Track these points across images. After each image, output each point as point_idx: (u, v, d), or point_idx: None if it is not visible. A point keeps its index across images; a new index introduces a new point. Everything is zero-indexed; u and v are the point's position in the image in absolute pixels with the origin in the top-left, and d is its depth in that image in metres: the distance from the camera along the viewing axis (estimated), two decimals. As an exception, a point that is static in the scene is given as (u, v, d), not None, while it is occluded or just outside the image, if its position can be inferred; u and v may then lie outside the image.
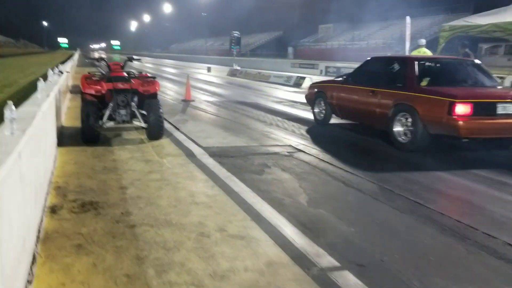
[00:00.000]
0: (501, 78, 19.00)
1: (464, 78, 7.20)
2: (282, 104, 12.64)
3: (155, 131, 6.81)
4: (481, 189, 5.00)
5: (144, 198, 4.29)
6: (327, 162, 5.96)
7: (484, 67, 7.69)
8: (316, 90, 9.29)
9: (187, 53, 79.37)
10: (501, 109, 6.18)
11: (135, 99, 6.90)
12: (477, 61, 8.01)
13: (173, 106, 11.62)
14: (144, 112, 6.84)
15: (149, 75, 7.56)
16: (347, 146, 7.34)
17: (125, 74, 7.15)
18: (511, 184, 5.19)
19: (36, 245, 3.12)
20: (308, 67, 31.57)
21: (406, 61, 7.32)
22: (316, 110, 9.26)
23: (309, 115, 9.82)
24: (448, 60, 7.76)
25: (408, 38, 17.79)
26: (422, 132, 6.46)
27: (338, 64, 28.17)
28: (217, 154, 6.18)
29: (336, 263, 3.11)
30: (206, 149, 6.44)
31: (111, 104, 6.67)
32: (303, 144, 7.04)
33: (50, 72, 7.53)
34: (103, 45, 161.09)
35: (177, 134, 7.53)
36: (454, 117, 6.01)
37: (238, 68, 28.63)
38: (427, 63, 7.25)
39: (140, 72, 7.71)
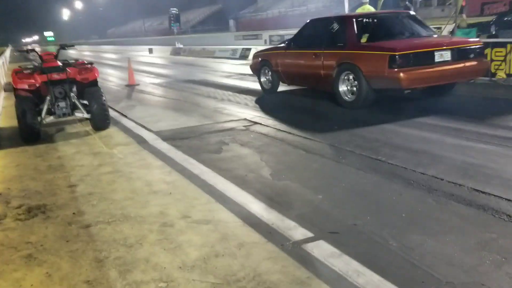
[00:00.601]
0: (438, 28, 19.57)
1: (401, 31, 7.26)
2: (231, 78, 12.34)
3: (100, 121, 6.39)
4: (436, 137, 5.01)
5: (96, 194, 3.98)
6: (285, 131, 5.81)
7: (419, 18, 7.79)
8: (260, 59, 9.13)
9: (125, 36, 76.57)
10: (438, 56, 6.32)
11: (74, 89, 6.42)
12: (412, 12, 8.12)
13: (117, 92, 11.06)
14: (85, 102, 6.39)
15: (85, 62, 7.06)
16: (300, 112, 7.23)
17: (59, 63, 6.63)
18: (464, 129, 5.24)
19: (-21, 263, 2.79)
20: (252, 38, 31.13)
21: (345, 20, 7.30)
22: (262, 79, 9.12)
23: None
24: (384, 15, 7.86)
25: (346, -2, 17.78)
26: (367, 88, 6.53)
27: (281, 32, 27.91)
28: (170, 137, 5.88)
29: (309, 234, 2.98)
30: (158, 133, 6.12)
31: (48, 98, 6.16)
32: (258, 116, 6.85)
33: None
34: (36, 37, 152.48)
35: (125, 121, 7.14)
36: (395, 69, 6.08)
37: (181, 46, 27.85)
38: (365, 20, 7.20)
39: (77, 60, 7.18)
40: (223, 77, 12.75)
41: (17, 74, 6.16)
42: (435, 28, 19.52)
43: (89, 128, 6.74)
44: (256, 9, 59.42)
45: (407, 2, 10.89)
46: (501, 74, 8.15)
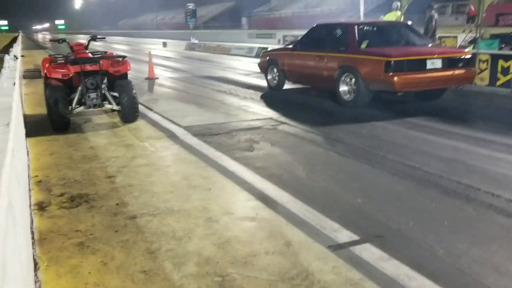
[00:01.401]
0: (454, 37, 19.54)
1: (398, 39, 7.99)
2: (250, 77, 12.38)
3: (130, 113, 6.46)
4: (466, 147, 5.05)
5: (136, 186, 4.05)
6: (312, 132, 5.87)
7: (414, 28, 8.52)
8: (268, 58, 9.74)
9: (137, 29, 76.65)
10: (430, 64, 6.95)
11: (105, 80, 6.49)
12: (409, 22, 9.05)
13: (137, 85, 11.00)
14: (115, 94, 6.46)
15: (114, 54, 7.13)
16: (322, 113, 7.24)
17: (90, 54, 6.72)
18: (493, 140, 5.27)
19: (33, 248, 2.86)
20: (265, 37, 31.14)
21: (347, 27, 7.94)
22: (269, 77, 9.67)
23: (293, 88, 9.67)
24: (383, 24, 8.86)
25: (362, 2, 17.78)
26: (364, 89, 7.14)
27: (295, 32, 27.88)
28: (200, 133, 5.94)
29: (355, 236, 3.03)
30: (187, 128, 6.18)
31: (79, 88, 6.24)
32: (284, 115, 6.90)
33: (6, 57, 6.96)
34: (46, 25, 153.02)
35: (151, 115, 7.21)
36: (389, 74, 6.66)
37: (196, 41, 27.92)
38: (365, 28, 7.99)
39: (105, 52, 7.25)
40: (242, 75, 12.79)
41: (51, 63, 6.23)
42: (451, 36, 19.48)
43: (116, 119, 6.81)
44: (270, 8, 59.43)
45: (433, 11, 10.95)
46: (525, 87, 8.17)
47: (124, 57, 6.68)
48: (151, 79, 11.99)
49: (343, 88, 7.50)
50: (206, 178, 4.24)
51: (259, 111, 7.37)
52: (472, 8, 18.28)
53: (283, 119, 6.70)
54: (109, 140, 5.69)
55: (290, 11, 53.52)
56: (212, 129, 6.15)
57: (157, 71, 13.54)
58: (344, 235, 3.05)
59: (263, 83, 10.42)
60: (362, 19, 18.26)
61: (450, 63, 7.12)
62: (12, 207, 1.84)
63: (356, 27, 7.73)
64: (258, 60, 10.89)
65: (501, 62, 8.61)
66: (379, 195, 3.81)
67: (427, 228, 3.17)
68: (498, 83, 8.67)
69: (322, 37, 8.44)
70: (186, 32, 36.99)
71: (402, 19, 11.48)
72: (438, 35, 12.04)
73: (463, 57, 7.33)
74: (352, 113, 7.10)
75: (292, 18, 49.09)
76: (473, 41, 10.98)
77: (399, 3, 11.45)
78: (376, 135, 5.70)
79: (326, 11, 47.41)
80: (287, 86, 9.55)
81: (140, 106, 7.62)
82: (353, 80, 7.25)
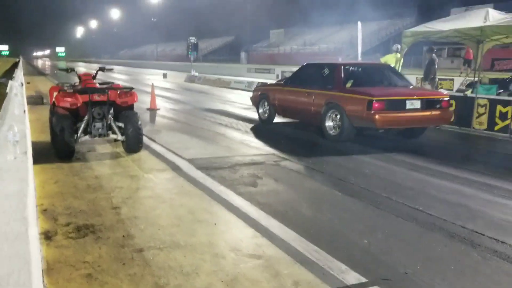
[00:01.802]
0: (451, 80, 19.95)
1: (381, 80, 8.53)
2: (251, 111, 12.47)
3: (134, 144, 6.50)
4: (470, 192, 5.11)
5: (141, 218, 4.05)
6: (315, 170, 5.93)
7: (397, 71, 9.10)
8: (260, 92, 10.28)
9: (137, 59, 77.74)
10: (409, 104, 7.40)
11: (111, 111, 6.56)
12: (392, 65, 9.66)
13: (139, 116, 11.18)
14: (120, 124, 6.52)
15: (121, 85, 7.24)
16: (324, 150, 7.31)
17: (97, 85, 6.81)
18: (495, 185, 5.34)
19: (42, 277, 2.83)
20: (264, 72, 31.67)
21: (334, 67, 8.47)
22: (260, 110, 10.16)
23: (283, 122, 9.81)
24: (368, 65, 9.56)
25: (360, 42, 18.25)
26: (348, 125, 7.62)
27: (293, 68, 28.29)
28: (203, 166, 5.98)
29: (363, 279, 3.03)
30: (190, 161, 6.22)
31: (86, 117, 6.30)
32: (286, 151, 6.96)
33: (13, 84, 7.04)
34: (47, 51, 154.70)
35: (154, 146, 7.25)
36: (371, 112, 7.11)
37: (197, 74, 28.29)
38: (351, 68, 8.58)
39: (112, 83, 7.35)
40: (243, 109, 12.93)
41: (60, 92, 6.31)
42: (447, 79, 19.82)
43: (120, 149, 6.84)
44: (269, 44, 60.58)
45: (433, 54, 11.26)
46: (522, 132, 8.32)
47: (131, 88, 6.78)
48: (152, 110, 12.09)
49: (329, 123, 7.99)
50: (211, 212, 4.25)
51: (261, 146, 7.44)
52: (470, 51, 18.82)
53: (285, 155, 6.76)
54: (114, 170, 5.71)
55: (289, 47, 54.57)
56: (215, 163, 6.19)
57: (159, 102, 13.67)
58: (352, 277, 3.05)
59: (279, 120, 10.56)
60: (359, 58, 18.71)
61: (428, 104, 7.57)
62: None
63: (342, 67, 8.28)
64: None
65: (499, 107, 8.80)
66: (385, 236, 3.83)
67: (434, 272, 3.18)
68: (497, 127, 8.83)
69: (311, 75, 8.98)
70: (186, 64, 37.53)
71: (401, 61, 11.78)
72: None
73: (441, 99, 7.82)
74: (352, 150, 7.22)
75: (290, 55, 50.05)
76: (471, 85, 11.25)
77: (399, 46, 11.77)
78: (379, 175, 5.76)
79: (324, 49, 48.39)
80: (277, 119, 10.01)
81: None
82: (338, 116, 7.76)
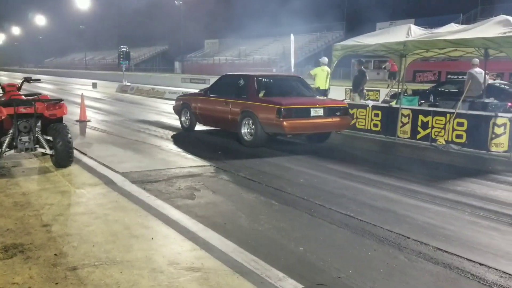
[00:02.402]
0: (377, 90, 21.07)
1: (290, 90, 9.36)
2: (185, 122, 12.44)
3: (64, 158, 6.24)
4: (396, 197, 5.44)
5: (74, 236, 3.91)
6: (253, 180, 6.02)
7: (305, 82, 9.88)
8: (182, 102, 10.80)
9: (65, 68, 74.49)
10: (313, 112, 8.25)
11: (39, 124, 6.27)
12: (301, 77, 10.45)
13: (69, 128, 10.73)
14: (49, 137, 6.25)
15: (49, 96, 6.93)
16: (264, 163, 7.46)
17: (23, 96, 6.49)
18: (419, 191, 5.73)
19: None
20: (199, 82, 31.60)
21: (249, 78, 9.12)
22: (182, 119, 10.72)
23: (223, 134, 9.85)
24: (279, 77, 10.63)
25: (293, 54, 18.93)
26: (261, 131, 8.31)
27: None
28: (139, 179, 5.87)
29: (299, 285, 3.14)
30: (124, 174, 6.08)
31: (11, 131, 5.97)
32: (223, 162, 7.01)
33: None
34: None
35: (85, 160, 7.01)
36: (281, 119, 7.81)
37: (129, 84, 27.63)
38: (263, 79, 9.24)
39: (40, 94, 7.02)
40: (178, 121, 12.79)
41: (-19, 104, 5.93)
42: (373, 90, 20.90)
43: (48, 164, 6.55)
44: (204, 54, 60.58)
45: (362, 67, 11.90)
46: (441, 141, 8.97)
47: (60, 100, 6.52)
48: (82, 122, 11.67)
49: (244, 130, 8.66)
50: (148, 227, 4.19)
51: (197, 158, 7.42)
52: (392, 64, 20.03)
53: (223, 165, 6.80)
54: (43, 186, 5.45)
55: (224, 58, 54.91)
56: (151, 176, 6.10)
57: (89, 113, 13.22)
58: (289, 284, 3.15)
59: (200, 128, 10.56)
60: (293, 70, 19.33)
61: (330, 112, 8.45)
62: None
63: (256, 78, 9.01)
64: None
65: (421, 117, 9.43)
66: (319, 243, 3.98)
67: (365, 276, 3.36)
68: (419, 136, 9.46)
69: (228, 86, 9.56)
70: (117, 74, 36.55)
71: (330, 73, 12.31)
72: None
73: (341, 107, 8.77)
74: (286, 161, 7.43)
75: (225, 65, 50.30)
76: (395, 96, 11.98)
77: (326, 59, 12.28)
78: (314, 184, 5.96)
79: (258, 60, 49.20)
80: (198, 127, 10.60)
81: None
82: (252, 123, 8.44)
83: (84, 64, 73.76)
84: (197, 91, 11.58)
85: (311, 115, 8.21)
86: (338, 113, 8.57)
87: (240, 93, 8.99)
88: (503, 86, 13.16)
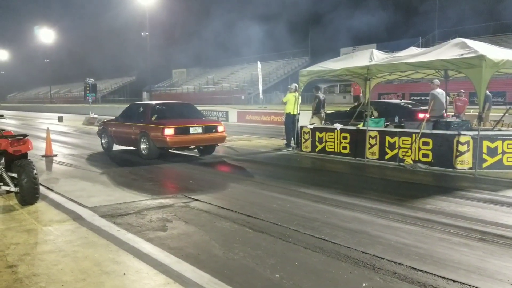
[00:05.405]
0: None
1: (180, 114, 11.44)
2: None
3: (30, 196, 6.03)
4: (368, 218, 5.49)
5: (42, 276, 3.75)
6: (225, 208, 5.96)
7: (194, 107, 12.24)
8: (102, 127, 12.98)
9: (29, 102, 72.97)
10: (193, 130, 10.47)
11: (2, 160, 6.07)
12: (190, 103, 13.01)
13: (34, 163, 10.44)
14: (13, 174, 6.05)
15: (13, 132, 6.75)
16: (232, 188, 7.43)
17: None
18: (389, 211, 5.81)
19: None
20: (167, 112, 31.37)
21: (146, 105, 11.71)
22: (103, 141, 12.82)
23: (187, 159, 9.77)
24: (171, 104, 12.72)
25: (261, 80, 19.38)
26: (153, 146, 10.49)
27: (198, 107, 28.61)
28: (108, 213, 5.73)
29: (277, 314, 3.09)
30: (93, 209, 5.93)
31: (-28, 169, 5.76)
32: (194, 191, 6.93)
33: None
34: None
35: (52, 196, 6.81)
36: (164, 136, 10.02)
37: (96, 116, 27.22)
38: (157, 107, 11.48)
39: (3, 130, 6.82)
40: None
41: None
42: (343, 111, 21.45)
43: (13, 202, 6.32)
44: (171, 83, 60.55)
45: (319, 92, 12.38)
46: (409, 160, 9.18)
47: (25, 135, 6.35)
48: (48, 157, 11.38)
49: (142, 146, 10.84)
50: (119, 262, 4.07)
51: (169, 188, 7.32)
52: (355, 88, 20.58)
53: (195, 195, 6.73)
54: (7, 225, 5.23)
55: (192, 86, 55.02)
56: (121, 209, 5.97)
57: (55, 147, 12.94)
58: (267, 313, 3.10)
59: (175, 155, 10.44)
60: (261, 96, 19.56)
61: (207, 129, 10.70)
62: None
63: (151, 105, 11.42)
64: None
65: (388, 138, 9.65)
66: (295, 269, 3.95)
67: (343, 300, 3.34)
68: (387, 157, 9.65)
69: (133, 112, 11.92)
70: (84, 106, 36.04)
71: (299, 99, 12.53)
72: (326, 111, 13.28)
73: (215, 125, 11.01)
74: (259, 186, 7.41)
75: (193, 94, 50.44)
76: (359, 117, 12.23)
77: (296, 85, 12.55)
78: (287, 209, 5.95)
79: (226, 88, 49.52)
80: (116, 148, 12.51)
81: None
82: (147, 140, 10.56)
83: (49, 98, 72.40)
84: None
85: (191, 132, 10.43)
86: (213, 130, 10.81)
87: (139, 118, 11.20)
88: (407, 105, 14.05)
